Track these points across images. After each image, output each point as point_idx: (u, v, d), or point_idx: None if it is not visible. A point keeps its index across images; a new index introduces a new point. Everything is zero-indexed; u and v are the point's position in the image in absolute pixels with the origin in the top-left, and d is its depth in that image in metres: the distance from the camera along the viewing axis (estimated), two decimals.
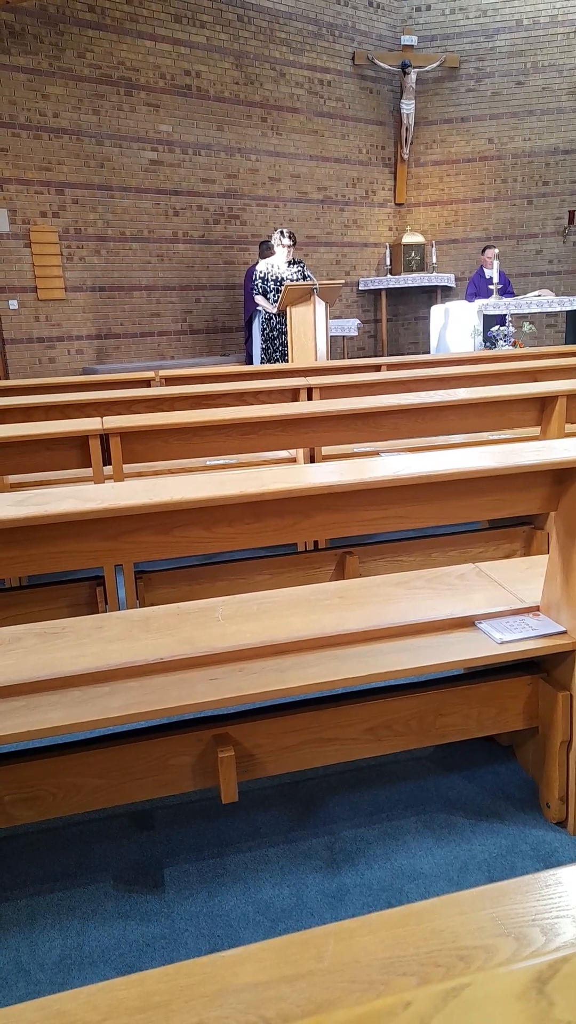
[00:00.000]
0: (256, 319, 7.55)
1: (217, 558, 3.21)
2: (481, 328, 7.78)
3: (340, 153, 10.48)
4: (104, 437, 2.88)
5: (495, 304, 7.90)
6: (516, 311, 7.96)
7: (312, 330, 6.06)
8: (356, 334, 10.14)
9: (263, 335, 7.06)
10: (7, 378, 7.91)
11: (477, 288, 8.90)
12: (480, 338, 7.75)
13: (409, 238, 10.87)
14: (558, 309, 8.29)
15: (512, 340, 7.49)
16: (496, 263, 8.28)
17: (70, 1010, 0.62)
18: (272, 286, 6.69)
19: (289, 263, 6.70)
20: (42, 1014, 0.62)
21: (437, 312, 8.56)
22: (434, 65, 10.45)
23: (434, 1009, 0.58)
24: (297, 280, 6.56)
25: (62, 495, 1.71)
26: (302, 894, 1.86)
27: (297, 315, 6.09)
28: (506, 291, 8.70)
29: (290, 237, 6.63)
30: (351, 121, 10.50)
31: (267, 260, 6.84)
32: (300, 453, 3.75)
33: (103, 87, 8.39)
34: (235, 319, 9.75)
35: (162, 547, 1.76)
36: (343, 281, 9.20)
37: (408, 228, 11.01)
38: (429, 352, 9.06)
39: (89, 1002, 0.63)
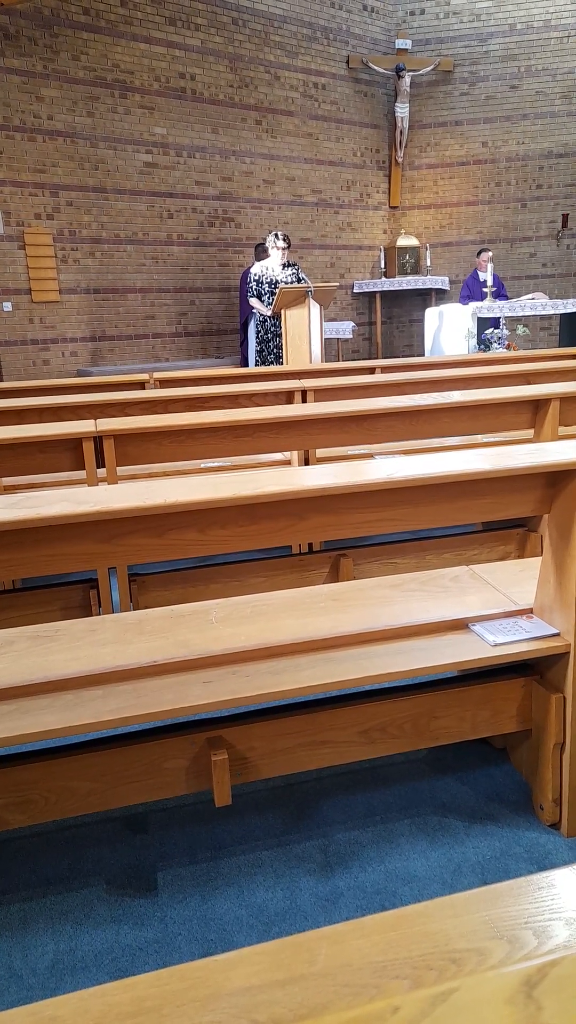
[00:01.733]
0: (251, 322, 7.56)
1: (211, 561, 3.21)
2: (475, 331, 7.81)
3: (335, 156, 10.51)
4: (98, 439, 2.87)
5: (489, 307, 7.92)
6: (510, 314, 7.98)
7: (307, 333, 6.07)
8: (351, 336, 10.17)
9: (258, 337, 7.07)
10: (1, 380, 7.89)
11: (471, 291, 8.93)
12: (474, 341, 7.77)
13: (403, 241, 10.90)
14: (551, 312, 8.33)
15: (506, 343, 7.52)
16: (490, 266, 8.32)
17: (62, 1015, 0.62)
18: (267, 289, 6.69)
19: (284, 266, 6.71)
20: (34, 1019, 0.61)
21: (431, 315, 8.59)
22: (428, 69, 10.49)
23: (422, 1014, 0.58)
24: (291, 283, 6.57)
25: (55, 497, 1.70)
26: (296, 897, 1.86)
27: (292, 318, 6.10)
28: (500, 294, 8.73)
29: (285, 240, 6.64)
30: (345, 124, 10.53)
31: (262, 263, 6.85)
32: (294, 455, 3.75)
33: (98, 89, 8.40)
34: (230, 321, 9.76)
35: (156, 550, 1.76)
36: (338, 284, 9.22)
37: (402, 231, 11.04)
38: (423, 355, 9.08)
39: (81, 1007, 0.63)
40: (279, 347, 6.62)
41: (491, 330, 7.53)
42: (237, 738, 1.91)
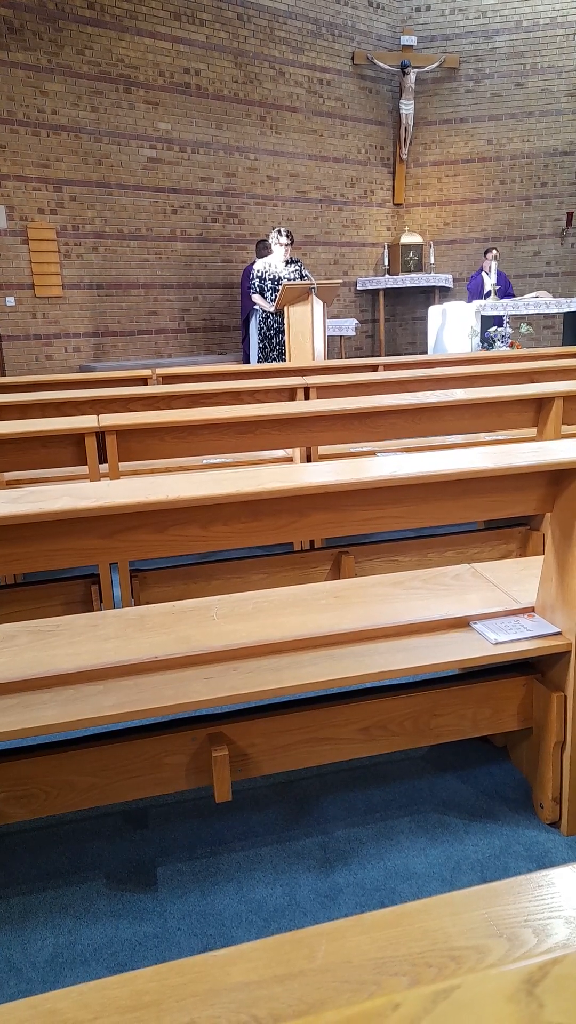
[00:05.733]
0: (253, 318, 7.55)
1: (213, 557, 3.21)
2: (478, 329, 7.79)
3: (339, 153, 10.48)
4: (100, 435, 2.87)
5: (493, 305, 7.91)
6: (513, 312, 7.97)
7: (309, 329, 6.06)
8: (354, 334, 10.15)
9: (260, 334, 7.06)
10: (4, 375, 7.89)
11: (479, 288, 8.92)
12: (477, 339, 7.76)
13: (407, 238, 10.88)
14: (555, 311, 8.31)
15: (509, 341, 7.51)
16: (494, 264, 8.31)
17: (61, 1008, 0.62)
18: (269, 285, 6.68)
19: (287, 262, 6.70)
20: (33, 1012, 0.61)
21: (434, 312, 8.57)
22: (433, 66, 10.46)
23: (423, 1011, 0.58)
24: (294, 279, 6.56)
25: (58, 493, 1.70)
26: (295, 893, 1.86)
27: (295, 314, 6.09)
28: (506, 292, 8.72)
29: (288, 236, 6.63)
30: (350, 121, 10.50)
31: (264, 259, 6.84)
32: (297, 452, 3.75)
33: (102, 84, 8.38)
34: (232, 318, 9.74)
35: (158, 546, 1.76)
36: (341, 281, 9.22)
37: (406, 228, 11.02)
38: (426, 352, 9.07)
39: (80, 1001, 0.63)
40: (282, 344, 6.61)
41: (495, 328, 7.51)
42: (238, 734, 1.91)
